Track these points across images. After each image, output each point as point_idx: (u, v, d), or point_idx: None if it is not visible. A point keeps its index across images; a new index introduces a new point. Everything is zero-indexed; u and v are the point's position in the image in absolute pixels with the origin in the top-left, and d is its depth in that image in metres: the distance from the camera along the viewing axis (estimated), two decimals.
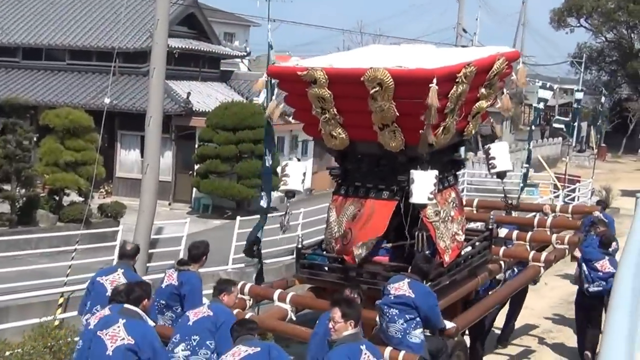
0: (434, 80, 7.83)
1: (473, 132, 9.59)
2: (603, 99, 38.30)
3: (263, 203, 11.50)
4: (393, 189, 8.82)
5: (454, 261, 9.10)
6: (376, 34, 56.81)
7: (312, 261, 9.55)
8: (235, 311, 8.38)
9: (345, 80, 8.50)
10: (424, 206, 8.40)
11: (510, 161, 10.21)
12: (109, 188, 27.28)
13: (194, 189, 25.82)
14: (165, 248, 16.83)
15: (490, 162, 9.99)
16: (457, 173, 10.06)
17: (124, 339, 6.53)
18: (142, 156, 25.66)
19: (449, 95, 8.29)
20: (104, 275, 8.56)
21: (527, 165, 19.74)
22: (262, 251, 17.56)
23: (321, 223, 18.38)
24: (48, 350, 9.51)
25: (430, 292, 8.01)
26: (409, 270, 8.08)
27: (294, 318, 9.08)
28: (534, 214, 15.26)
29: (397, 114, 8.24)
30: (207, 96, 29.21)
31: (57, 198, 20.47)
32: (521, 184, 19.28)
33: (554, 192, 29.98)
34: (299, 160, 9.96)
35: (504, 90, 9.77)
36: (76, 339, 9.74)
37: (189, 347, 7.23)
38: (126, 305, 6.85)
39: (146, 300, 7.07)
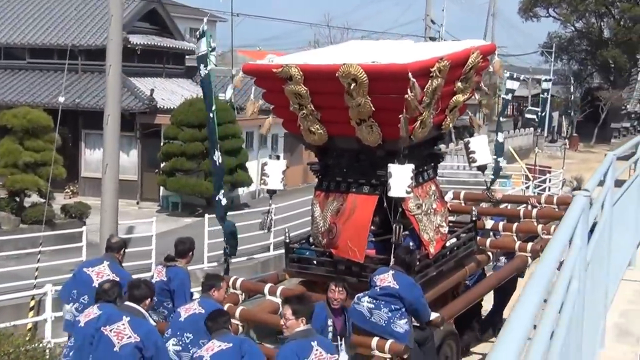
0: (410, 75, 7.84)
1: (451, 125, 9.68)
2: (572, 89, 38.42)
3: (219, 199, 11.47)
4: (374, 183, 8.88)
5: (439, 252, 9.26)
6: (344, 27, 56.70)
7: (300, 255, 9.67)
8: (226, 305, 8.50)
9: (320, 76, 8.54)
10: (403, 200, 8.49)
11: (489, 154, 10.29)
12: (75, 188, 26.77)
13: (162, 187, 25.35)
14: (136, 248, 16.52)
15: (470, 155, 10.04)
16: (437, 166, 10.12)
17: (130, 336, 6.57)
18: None
19: (425, 90, 8.30)
20: (90, 267, 8.65)
21: (496, 157, 19.65)
22: (239, 248, 17.45)
23: (294, 219, 18.34)
24: (7, 358, 9.26)
25: (414, 284, 8.11)
26: (392, 262, 8.25)
27: None
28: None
29: (374, 109, 8.26)
30: (172, 93, 28.78)
31: (17, 200, 20.00)
32: (492, 176, 19.14)
33: (525, 183, 29.89)
34: (278, 157, 9.90)
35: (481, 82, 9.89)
36: (35, 345, 9.45)
37: (180, 342, 7.28)
38: (127, 303, 6.86)
39: (149, 300, 7.03)
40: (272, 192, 9.64)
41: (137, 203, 26.25)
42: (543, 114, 48.75)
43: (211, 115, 11.88)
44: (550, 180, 31.95)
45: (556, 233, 3.06)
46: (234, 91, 29.62)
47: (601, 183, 5.48)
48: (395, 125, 8.19)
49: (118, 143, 14.26)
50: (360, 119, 8.44)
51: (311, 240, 9.70)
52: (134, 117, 26.06)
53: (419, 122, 8.52)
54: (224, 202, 11.85)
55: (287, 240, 9.69)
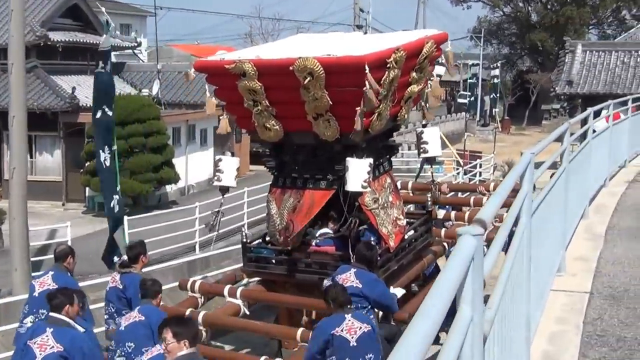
0: (366, 67, 7.76)
1: (406, 116, 9.68)
2: (497, 72, 38.74)
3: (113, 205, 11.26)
4: (330, 178, 8.84)
5: (399, 246, 9.26)
6: (275, 18, 56.40)
7: (258, 254, 9.55)
8: (188, 310, 8.73)
9: (274, 71, 8.44)
10: (360, 194, 8.45)
11: (440, 147, 10.33)
12: None
13: (87, 188, 24.86)
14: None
15: (422, 146, 10.02)
16: (391, 158, 10.15)
17: (53, 347, 6.53)
18: (31, 156, 24.57)
19: (382, 82, 8.26)
20: (37, 278, 8.80)
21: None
22: (163, 249, 17.20)
23: (226, 214, 18.06)
24: None
25: (377, 279, 8.09)
26: (354, 259, 8.20)
27: (248, 312, 9.11)
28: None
29: (331, 103, 8.21)
30: None
31: None
32: (419, 165, 19.22)
33: (457, 169, 30.10)
34: (232, 154, 9.81)
35: (434, 74, 9.94)
36: None
37: (123, 352, 7.25)
38: (51, 314, 6.87)
39: (68, 306, 6.90)
40: (225, 189, 9.48)
41: (63, 204, 25.72)
42: (472, 98, 49.41)
43: (110, 113, 11.65)
44: (481, 165, 32.22)
45: (426, 300, 2.18)
46: (160, 87, 29.24)
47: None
48: (353, 118, 8.12)
49: (26, 145, 13.81)
50: (317, 113, 8.37)
51: (267, 238, 9.59)
52: (57, 116, 25.50)
53: (376, 114, 8.46)
54: (117, 209, 11.54)
55: (245, 240, 9.57)
